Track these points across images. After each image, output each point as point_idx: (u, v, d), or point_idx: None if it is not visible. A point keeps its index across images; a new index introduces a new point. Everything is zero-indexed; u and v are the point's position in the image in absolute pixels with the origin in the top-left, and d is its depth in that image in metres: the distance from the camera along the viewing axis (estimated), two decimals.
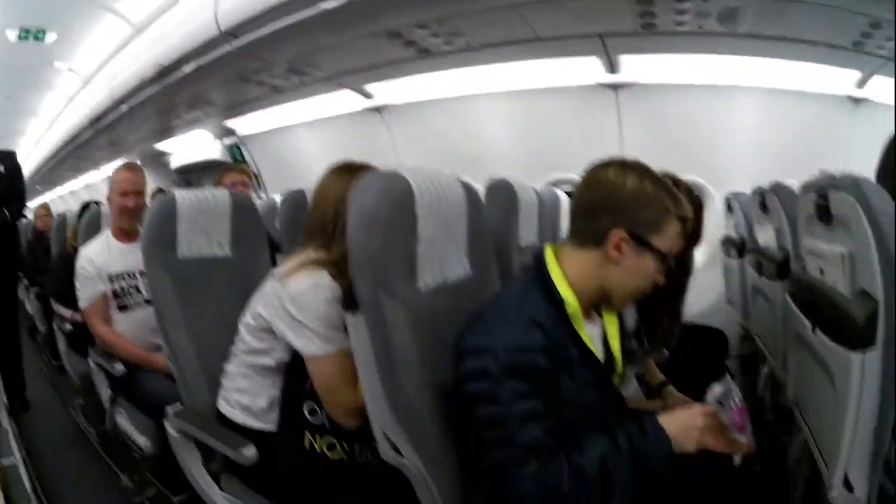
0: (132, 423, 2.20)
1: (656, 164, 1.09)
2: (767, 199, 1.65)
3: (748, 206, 2.09)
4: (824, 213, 1.11)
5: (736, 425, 1.07)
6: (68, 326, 2.89)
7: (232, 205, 1.77)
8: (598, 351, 1.09)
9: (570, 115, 2.94)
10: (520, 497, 0.97)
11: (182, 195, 1.71)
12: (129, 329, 2.24)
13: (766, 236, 1.77)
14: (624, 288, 1.08)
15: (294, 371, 1.37)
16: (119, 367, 2.15)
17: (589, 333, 1.07)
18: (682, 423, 1.01)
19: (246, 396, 1.45)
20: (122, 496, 2.32)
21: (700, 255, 2.99)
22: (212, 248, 1.73)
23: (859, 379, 0.98)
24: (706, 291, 2.93)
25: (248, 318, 1.43)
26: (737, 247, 2.20)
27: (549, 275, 1.05)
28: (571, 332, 1.04)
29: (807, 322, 1.20)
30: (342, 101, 3.57)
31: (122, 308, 2.26)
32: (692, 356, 2.08)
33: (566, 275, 1.05)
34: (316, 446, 1.35)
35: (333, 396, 1.31)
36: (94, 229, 2.70)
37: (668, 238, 1.04)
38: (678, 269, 1.51)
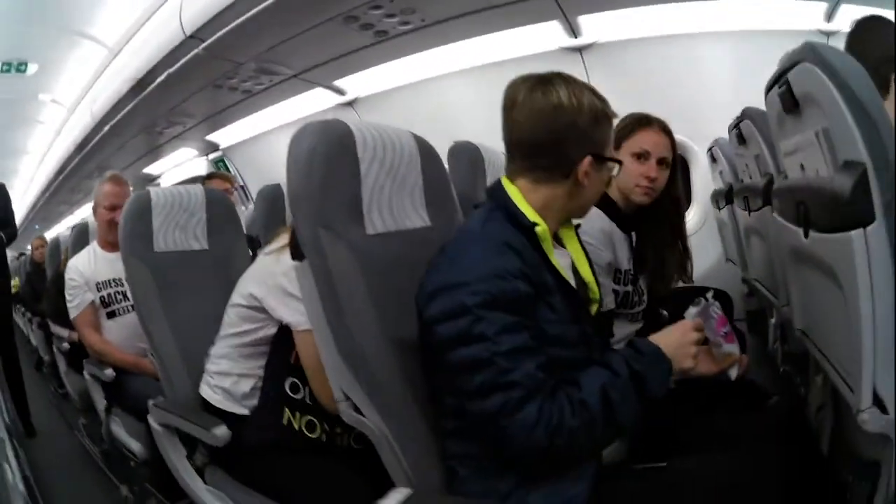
0: (126, 429, 2.21)
1: None
2: (743, 129, 1.60)
3: (728, 148, 2.04)
4: (789, 100, 1.00)
5: (720, 334, 1.04)
6: (66, 346, 2.93)
7: (206, 199, 1.79)
8: (571, 280, 1.02)
9: None
10: (522, 443, 0.88)
11: (156, 191, 1.74)
12: (119, 335, 2.29)
13: (749, 171, 1.72)
14: (586, 207, 1.05)
15: (280, 347, 1.35)
16: (109, 373, 2.19)
17: (561, 263, 1.00)
18: (676, 340, 0.95)
19: (228, 380, 1.43)
20: None
21: (694, 216, 2.97)
22: (188, 240, 1.76)
23: (865, 260, 0.83)
24: (704, 254, 2.86)
25: (237, 300, 1.42)
26: (724, 195, 2.15)
27: (512, 201, 0.98)
28: (544, 259, 0.97)
29: (798, 230, 1.07)
30: (315, 99, 3.57)
31: (111, 315, 2.31)
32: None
33: (530, 205, 0.99)
34: (294, 423, 1.31)
35: (319, 373, 1.25)
36: (83, 244, 2.74)
37: (610, 141, 1.02)
38: (670, 202, 1.52)
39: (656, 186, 1.47)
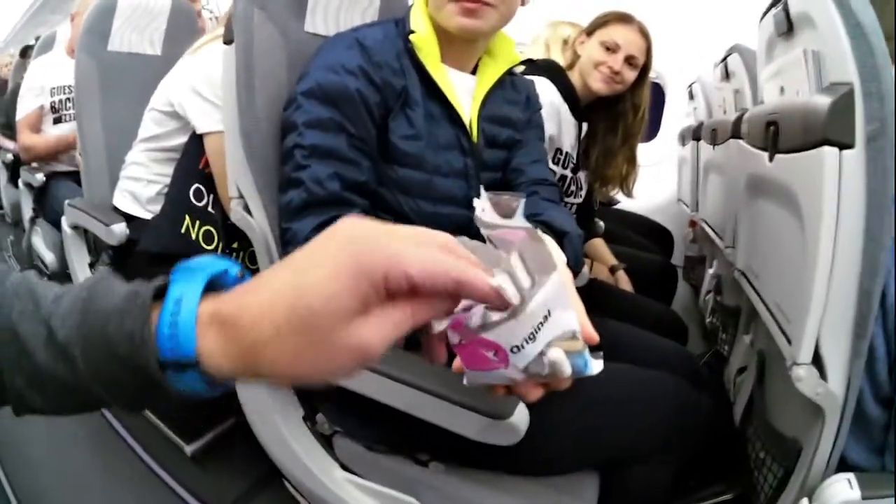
0: (44, 241, 2.17)
1: None
2: (730, 63, 1.52)
3: (709, 85, 1.97)
4: (784, 21, 0.93)
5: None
6: (10, 157, 2.86)
7: (171, 7, 1.71)
8: (461, 104, 0.90)
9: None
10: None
11: None
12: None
13: (725, 105, 1.65)
14: (438, 14, 0.88)
15: (190, 152, 1.28)
16: (39, 177, 2.18)
17: (456, 84, 0.90)
18: None
19: (138, 185, 1.39)
20: None
21: (656, 150, 2.95)
22: (143, 45, 1.69)
23: (835, 185, 0.73)
24: (657, 189, 2.86)
25: (154, 104, 1.36)
26: (692, 131, 2.11)
27: (409, 7, 0.91)
28: (420, 68, 0.87)
29: (763, 154, 0.99)
30: None
31: (57, 121, 2.27)
32: (637, 247, 2.00)
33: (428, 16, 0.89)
34: (192, 232, 1.25)
35: (225, 177, 1.20)
36: (47, 50, 2.63)
37: None
38: (630, 106, 1.46)
39: (618, 80, 1.43)
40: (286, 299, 0.33)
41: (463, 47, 0.92)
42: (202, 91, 1.21)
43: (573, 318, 0.45)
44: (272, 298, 0.33)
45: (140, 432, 1.53)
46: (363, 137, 0.82)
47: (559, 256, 0.68)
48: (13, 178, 2.83)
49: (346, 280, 0.32)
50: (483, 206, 0.57)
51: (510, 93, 1.01)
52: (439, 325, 0.41)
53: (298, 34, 0.94)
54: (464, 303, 0.39)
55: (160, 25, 1.69)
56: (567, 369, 0.44)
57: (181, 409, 1.48)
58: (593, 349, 0.48)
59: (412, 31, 0.87)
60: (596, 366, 0.48)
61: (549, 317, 0.42)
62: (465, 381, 0.46)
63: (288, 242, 0.83)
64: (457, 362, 0.46)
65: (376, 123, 0.84)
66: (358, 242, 0.33)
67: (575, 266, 0.91)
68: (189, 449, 1.45)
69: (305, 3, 0.95)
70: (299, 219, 0.81)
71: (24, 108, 2.23)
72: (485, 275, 0.36)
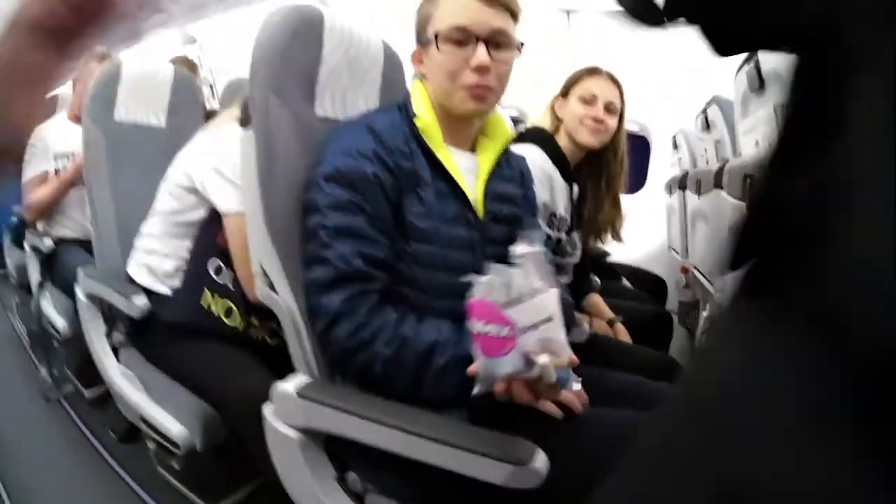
0: (54, 305, 2.19)
1: None
2: (710, 114, 1.61)
3: (693, 136, 2.06)
4: (755, 79, 1.02)
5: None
6: (14, 220, 2.84)
7: (174, 78, 1.78)
8: (466, 183, 0.98)
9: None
10: (324, 329, 0.88)
11: (129, 62, 1.72)
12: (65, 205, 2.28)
13: (707, 156, 1.74)
14: (442, 94, 0.98)
15: (208, 228, 1.33)
16: (48, 243, 2.19)
17: (459, 164, 0.99)
18: None
19: (154, 258, 1.41)
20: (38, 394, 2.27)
21: (643, 201, 3.02)
22: (148, 116, 1.75)
23: None
24: (648, 238, 2.94)
25: (171, 178, 1.40)
26: (679, 181, 2.18)
27: (409, 95, 1.00)
28: (426, 150, 0.96)
29: (742, 203, 1.08)
30: None
31: None
32: (633, 298, 2.07)
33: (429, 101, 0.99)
34: (213, 307, 1.30)
35: (245, 258, 1.24)
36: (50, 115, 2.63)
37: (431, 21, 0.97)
38: (611, 155, 1.54)
39: (603, 128, 1.50)
40: None
41: (462, 128, 1.01)
42: (224, 171, 1.25)
43: (564, 335, 0.61)
44: None
45: (163, 496, 1.54)
46: (381, 217, 0.89)
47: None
48: (17, 241, 2.85)
49: None
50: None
51: (507, 170, 1.09)
52: (470, 299, 0.61)
53: (309, 118, 1.01)
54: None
55: (164, 97, 1.76)
56: (552, 375, 0.61)
57: (204, 471, 1.51)
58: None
59: (416, 115, 0.95)
60: (576, 384, 0.70)
61: (550, 320, 0.59)
62: (477, 374, 0.65)
63: (316, 317, 0.89)
64: (472, 368, 0.65)
65: (391, 203, 0.91)
66: None
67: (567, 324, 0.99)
68: None
69: (314, 87, 1.02)
70: (328, 294, 0.87)
71: (32, 170, 2.25)
72: None
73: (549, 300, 0.59)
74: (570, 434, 0.89)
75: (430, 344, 0.85)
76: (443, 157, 0.95)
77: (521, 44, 0.96)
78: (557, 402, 0.91)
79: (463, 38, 0.93)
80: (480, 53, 0.92)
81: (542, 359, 0.60)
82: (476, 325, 0.62)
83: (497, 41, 0.94)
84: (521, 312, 0.59)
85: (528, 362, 0.61)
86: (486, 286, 0.59)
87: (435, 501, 0.94)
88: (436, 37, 0.94)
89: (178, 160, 1.40)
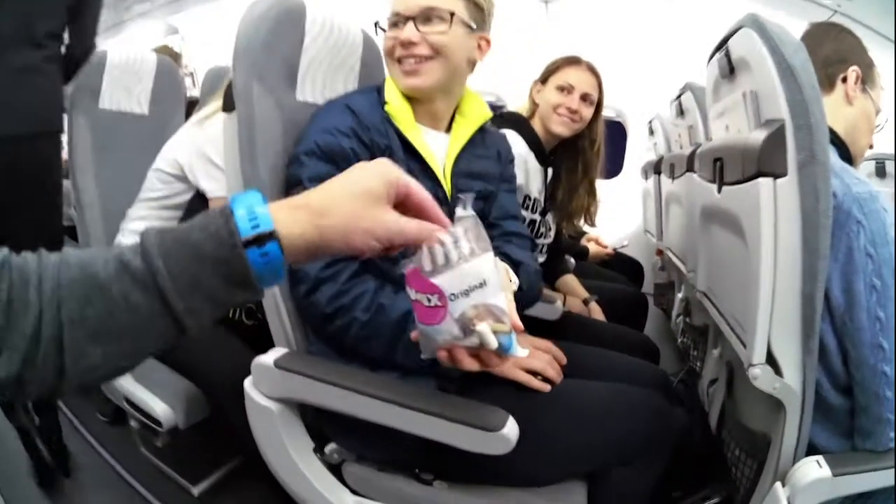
0: None
1: None
2: (683, 101, 1.66)
3: (667, 122, 2.10)
4: (726, 66, 1.05)
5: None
6: None
7: (157, 67, 1.80)
8: (435, 161, 1.04)
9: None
10: (305, 295, 0.93)
11: (114, 51, 1.73)
12: None
13: (681, 141, 1.78)
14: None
15: (194, 209, 1.37)
16: None
17: (430, 143, 1.04)
18: None
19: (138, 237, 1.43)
20: None
21: (620, 185, 3.11)
22: (131, 104, 1.76)
23: (772, 209, 0.85)
24: (625, 222, 3.02)
25: (160, 164, 1.44)
26: (654, 165, 2.23)
27: (384, 79, 1.06)
28: (398, 131, 1.01)
29: (713, 187, 1.09)
30: None
31: None
32: (609, 280, 2.12)
33: None
34: None
35: None
36: None
37: None
38: (588, 142, 1.58)
39: (577, 119, 1.54)
40: (342, 187, 0.51)
41: (428, 106, 1.06)
42: (212, 157, 1.30)
43: (503, 299, 0.59)
44: (330, 187, 0.51)
45: (146, 475, 1.57)
46: None
47: (512, 278, 0.85)
48: None
49: (378, 178, 0.52)
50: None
51: (480, 149, 1.14)
52: (404, 268, 0.59)
53: (291, 103, 1.05)
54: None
55: (146, 85, 1.77)
56: (492, 342, 0.58)
57: (186, 451, 1.54)
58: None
59: (387, 102, 1.01)
60: (521, 350, 0.64)
61: (484, 285, 0.57)
62: (419, 343, 0.63)
63: (299, 282, 0.93)
64: (414, 333, 0.63)
65: None
66: (382, 165, 0.54)
67: (529, 292, 1.06)
68: (196, 490, 1.50)
69: (296, 73, 1.06)
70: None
71: None
72: (446, 219, 0.56)
73: (482, 265, 0.57)
74: (539, 404, 0.96)
75: (404, 312, 0.90)
76: (412, 137, 1.01)
77: (452, 13, 1.00)
78: (533, 372, 0.96)
79: (396, 20, 1.02)
80: (406, 29, 1.00)
81: (480, 327, 0.58)
82: (410, 294, 0.60)
83: (427, 16, 1.00)
84: (450, 279, 0.57)
85: (467, 330, 0.59)
86: (417, 255, 0.57)
87: (409, 467, 0.99)
88: (382, 25, 1.04)
89: (167, 148, 1.44)
